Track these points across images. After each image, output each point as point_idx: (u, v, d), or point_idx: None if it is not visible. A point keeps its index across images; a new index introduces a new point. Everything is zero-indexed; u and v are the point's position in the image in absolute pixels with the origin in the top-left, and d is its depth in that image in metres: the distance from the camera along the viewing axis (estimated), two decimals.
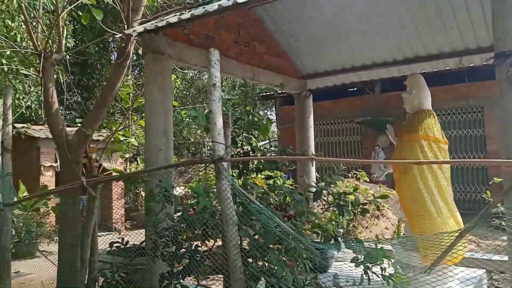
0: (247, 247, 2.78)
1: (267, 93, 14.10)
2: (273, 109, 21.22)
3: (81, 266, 3.88)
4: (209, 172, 11.29)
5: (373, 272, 2.73)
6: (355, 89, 11.60)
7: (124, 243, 3.50)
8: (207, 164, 2.56)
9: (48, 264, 5.09)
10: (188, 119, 14.17)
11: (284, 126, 11.59)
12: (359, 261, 2.69)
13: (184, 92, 16.84)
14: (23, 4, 4.74)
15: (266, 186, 3.10)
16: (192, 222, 2.78)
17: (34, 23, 4.93)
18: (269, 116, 20.57)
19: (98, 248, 4.09)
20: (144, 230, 3.98)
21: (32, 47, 4.66)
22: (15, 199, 4.49)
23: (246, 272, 2.50)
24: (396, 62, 6.11)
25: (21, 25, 6.61)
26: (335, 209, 3.40)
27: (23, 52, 5.70)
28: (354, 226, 5.55)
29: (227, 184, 2.45)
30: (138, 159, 12.19)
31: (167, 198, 2.91)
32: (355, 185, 7.10)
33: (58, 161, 9.43)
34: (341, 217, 3.28)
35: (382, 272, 2.74)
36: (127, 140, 5.37)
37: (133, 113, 5.83)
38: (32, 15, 5.30)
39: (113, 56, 15.35)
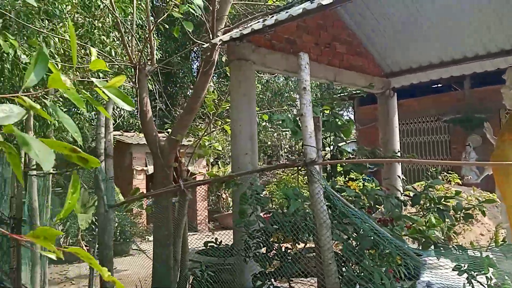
0: (338, 251, 2.74)
1: (342, 93, 13.78)
2: (350, 109, 20.72)
3: (174, 264, 4.10)
4: (289, 174, 11.35)
5: (478, 282, 2.54)
6: (440, 85, 10.89)
7: (218, 243, 3.63)
8: (300, 168, 2.56)
9: (141, 261, 5.43)
10: (265, 122, 14.35)
11: (365, 127, 11.21)
12: (462, 269, 2.51)
13: (260, 95, 17.11)
14: (119, 20, 5.14)
15: (359, 190, 3.04)
16: (283, 224, 2.80)
17: (128, 38, 5.31)
18: (349, 116, 20.17)
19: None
20: (226, 231, 4.10)
21: (127, 60, 5.03)
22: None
23: (339, 276, 2.46)
24: (489, 55, 5.66)
25: (114, 41, 7.16)
26: (425, 213, 3.23)
27: (118, 65, 6.18)
28: (455, 232, 5.19)
29: (319, 187, 2.44)
30: (219, 162, 12.62)
31: (259, 201, 2.98)
32: (446, 187, 6.66)
33: (149, 165, 10.07)
34: (442, 222, 3.10)
35: (488, 282, 2.53)
36: (212, 145, 5.59)
37: (217, 118, 6.05)
38: (124, 30, 5.72)
39: (193, 65, 16.06)
